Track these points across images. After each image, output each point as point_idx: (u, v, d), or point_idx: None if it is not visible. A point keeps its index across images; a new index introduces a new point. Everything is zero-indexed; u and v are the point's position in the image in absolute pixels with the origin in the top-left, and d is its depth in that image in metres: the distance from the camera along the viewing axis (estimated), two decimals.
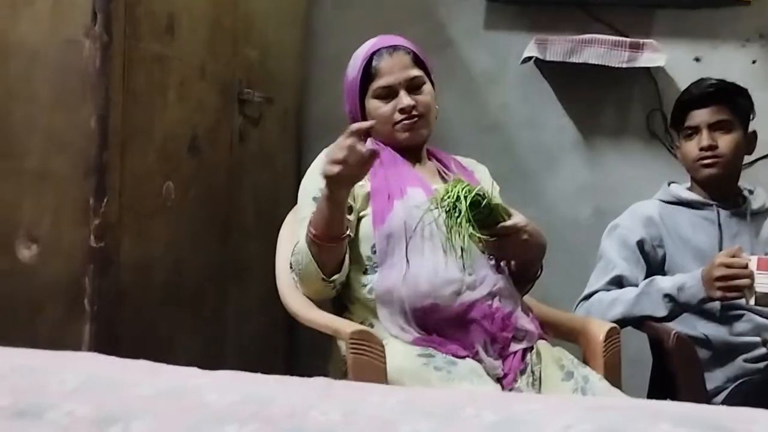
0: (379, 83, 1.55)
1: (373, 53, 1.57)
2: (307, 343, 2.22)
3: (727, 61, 2.22)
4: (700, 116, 1.80)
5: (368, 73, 1.56)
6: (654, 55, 2.12)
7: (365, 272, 1.50)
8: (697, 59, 2.25)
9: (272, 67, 2.10)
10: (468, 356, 1.40)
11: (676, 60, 2.23)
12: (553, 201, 2.34)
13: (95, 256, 1.41)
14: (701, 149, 1.79)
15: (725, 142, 1.78)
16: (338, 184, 1.36)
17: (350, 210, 1.51)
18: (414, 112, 1.55)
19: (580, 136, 2.33)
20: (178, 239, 1.69)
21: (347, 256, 1.48)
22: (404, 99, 1.54)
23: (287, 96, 2.24)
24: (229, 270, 1.93)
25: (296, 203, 1.61)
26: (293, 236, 1.58)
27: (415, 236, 1.46)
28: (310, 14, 2.39)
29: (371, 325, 1.45)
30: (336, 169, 1.32)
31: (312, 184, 1.55)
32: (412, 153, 1.61)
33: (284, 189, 2.17)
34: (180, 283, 1.72)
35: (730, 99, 1.80)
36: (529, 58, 2.22)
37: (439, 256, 1.46)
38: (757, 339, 1.72)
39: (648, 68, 2.20)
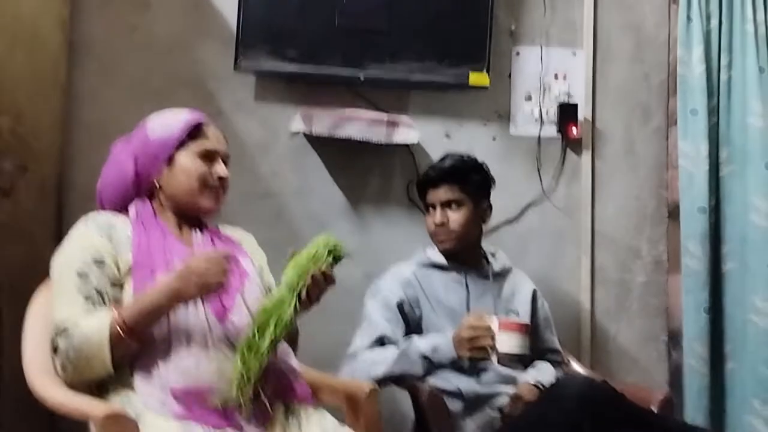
0: (208, 145, 1.61)
1: (198, 122, 1.63)
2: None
3: (472, 138, 2.49)
4: (435, 195, 2.03)
5: (191, 135, 1.60)
6: (408, 132, 2.32)
7: None
8: (447, 135, 2.50)
9: (27, 135, 1.99)
10: (229, 426, 1.40)
11: (430, 136, 2.47)
12: None
13: None
14: (435, 225, 2.00)
15: (455, 218, 2.01)
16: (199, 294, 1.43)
17: (115, 283, 1.48)
18: (225, 185, 1.62)
19: (347, 203, 2.46)
20: None
21: None
22: (222, 168, 1.62)
23: (45, 164, 2.12)
24: None
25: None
26: (46, 313, 1.49)
27: (177, 313, 1.45)
28: (71, 79, 2.31)
29: (128, 399, 1.40)
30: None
31: (75, 257, 1.49)
32: (194, 221, 1.63)
33: (42, 264, 2.02)
34: None
35: (461, 178, 2.02)
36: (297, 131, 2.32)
37: (204, 331, 1.46)
38: (501, 388, 1.91)
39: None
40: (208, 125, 1.65)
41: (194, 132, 1.61)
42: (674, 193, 2.51)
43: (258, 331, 1.43)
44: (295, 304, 1.46)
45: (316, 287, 1.48)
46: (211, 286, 1.42)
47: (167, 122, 1.63)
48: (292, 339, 1.64)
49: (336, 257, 1.51)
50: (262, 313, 1.46)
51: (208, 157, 1.61)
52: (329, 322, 2.34)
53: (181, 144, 1.60)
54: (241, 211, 2.25)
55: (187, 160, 1.59)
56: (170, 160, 1.60)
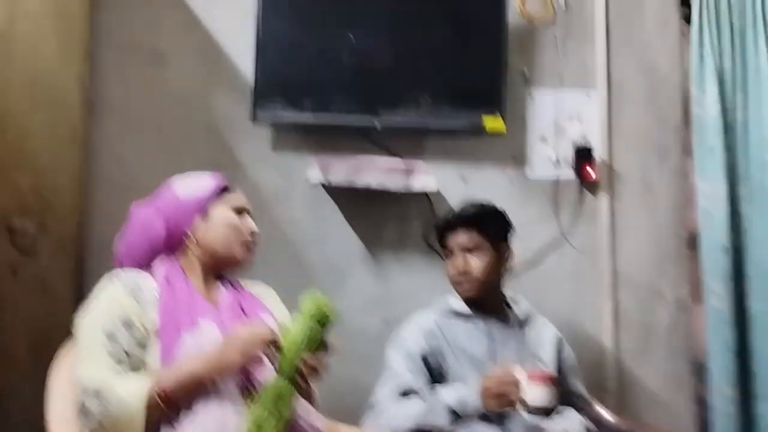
0: (239, 202, 1.68)
1: (226, 183, 1.71)
2: None
3: (489, 182, 2.49)
4: (454, 240, 2.02)
5: (220, 194, 1.67)
6: (426, 179, 2.32)
7: None
8: (463, 180, 2.50)
9: (47, 192, 2.01)
10: None
11: (446, 181, 2.47)
12: (343, 313, 2.40)
13: None
14: (456, 270, 1.99)
15: (476, 263, 1.99)
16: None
17: (142, 345, 1.47)
18: (255, 240, 1.69)
19: (365, 250, 2.46)
20: None
21: None
22: (253, 223, 1.69)
23: (65, 221, 2.13)
24: None
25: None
26: (71, 376, 1.48)
27: None
28: (91, 135, 2.33)
29: None
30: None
31: (103, 317, 1.48)
32: (218, 275, 1.65)
33: (63, 319, 2.02)
34: None
35: (480, 224, 2.01)
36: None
37: (228, 390, 1.45)
38: None
39: None
40: (234, 186, 1.72)
41: (222, 191, 1.67)
42: (694, 232, 2.48)
43: (258, 429, 1.38)
44: (294, 392, 1.43)
45: (312, 371, 1.45)
46: (254, 355, 1.42)
47: (196, 182, 1.68)
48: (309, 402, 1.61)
49: (326, 323, 1.47)
50: (260, 408, 1.40)
51: (239, 212, 1.67)
52: (349, 369, 2.33)
53: (212, 199, 1.64)
54: (259, 259, 2.24)
55: (223, 213, 1.64)
56: (205, 214, 1.63)
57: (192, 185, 1.66)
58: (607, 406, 2.27)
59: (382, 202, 2.43)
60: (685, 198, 2.54)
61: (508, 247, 2.07)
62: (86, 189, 2.31)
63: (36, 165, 1.95)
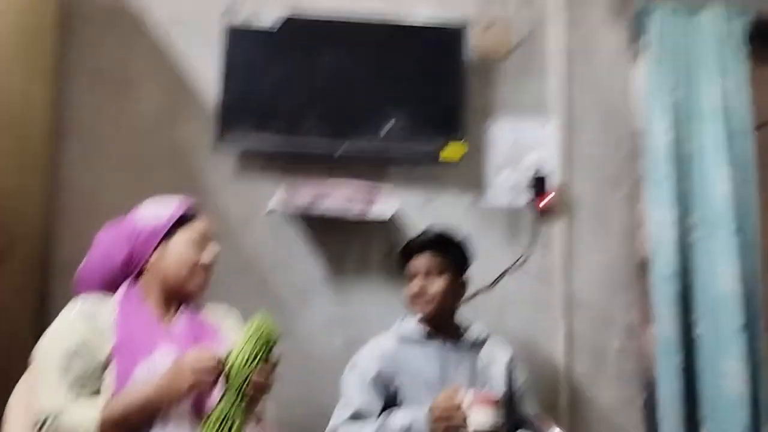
0: (196, 232, 1.69)
1: (187, 210, 1.71)
2: None
3: (448, 207, 2.56)
4: (417, 262, 2.08)
5: (181, 221, 1.69)
6: (384, 207, 2.39)
7: None
8: (424, 206, 2.57)
9: (11, 220, 2.04)
10: None
11: (407, 206, 2.53)
12: (306, 335, 2.48)
13: None
14: (414, 292, 2.05)
15: (435, 284, 2.06)
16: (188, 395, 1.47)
17: (99, 370, 1.51)
18: (211, 269, 1.70)
19: (327, 274, 2.51)
20: None
21: None
22: (209, 254, 1.70)
23: (26, 247, 2.16)
24: None
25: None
26: (29, 404, 1.51)
27: None
28: (56, 160, 2.37)
29: None
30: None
31: (59, 344, 1.52)
32: (179, 301, 1.69)
33: (21, 346, 2.04)
34: None
35: (443, 248, 2.08)
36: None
37: (186, 418, 1.50)
38: None
39: None
40: (199, 212, 1.74)
41: (184, 219, 1.70)
42: (646, 259, 2.57)
43: None
44: (243, 411, 1.48)
45: (258, 387, 1.50)
46: (202, 380, 1.46)
47: (159, 208, 1.71)
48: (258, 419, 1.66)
49: (270, 341, 1.54)
50: (210, 428, 1.46)
51: (198, 241, 1.69)
52: (310, 392, 2.38)
53: (171, 230, 1.67)
54: (224, 283, 2.28)
55: (177, 247, 1.67)
56: (164, 241, 1.67)
57: (155, 212, 1.70)
58: (559, 425, 2.34)
59: (345, 227, 2.49)
60: (637, 225, 2.63)
61: (466, 276, 2.14)
62: (52, 215, 2.34)
63: (0, 191, 1.98)
